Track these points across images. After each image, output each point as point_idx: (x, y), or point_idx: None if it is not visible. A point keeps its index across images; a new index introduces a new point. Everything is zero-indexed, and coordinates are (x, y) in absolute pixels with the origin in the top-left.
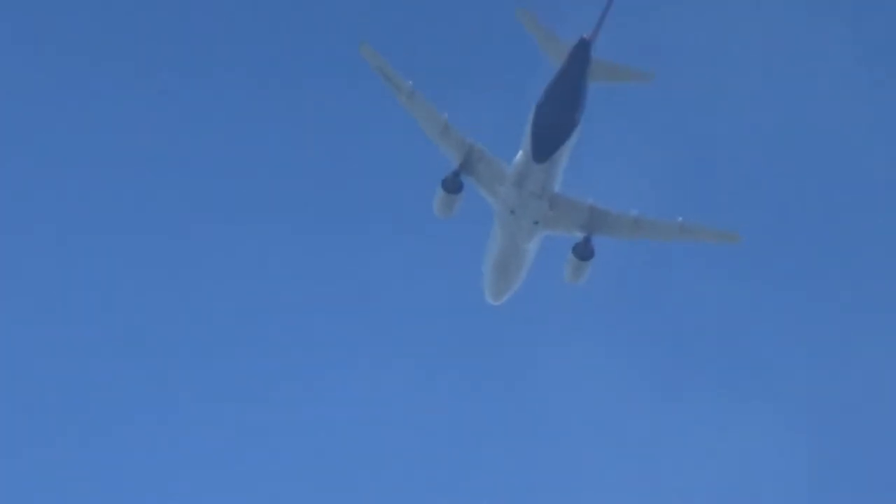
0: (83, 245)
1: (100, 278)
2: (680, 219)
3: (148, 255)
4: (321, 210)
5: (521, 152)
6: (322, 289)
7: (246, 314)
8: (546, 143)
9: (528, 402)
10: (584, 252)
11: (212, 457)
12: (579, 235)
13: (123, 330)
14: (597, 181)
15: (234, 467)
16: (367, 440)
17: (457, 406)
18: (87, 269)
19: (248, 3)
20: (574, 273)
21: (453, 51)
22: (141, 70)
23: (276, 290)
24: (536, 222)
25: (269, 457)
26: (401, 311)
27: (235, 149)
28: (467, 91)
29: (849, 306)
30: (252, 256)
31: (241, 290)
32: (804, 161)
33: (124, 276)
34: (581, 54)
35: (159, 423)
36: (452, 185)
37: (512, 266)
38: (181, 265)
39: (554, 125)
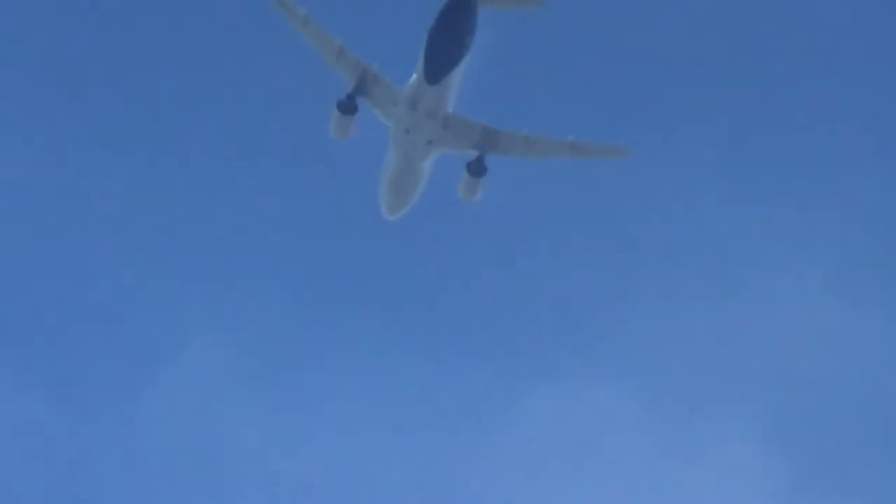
0: None
1: None
2: (570, 137)
3: None
4: (221, 139)
5: (414, 75)
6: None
7: None
8: (438, 67)
9: None
10: (477, 169)
11: None
12: (473, 154)
13: None
14: (490, 101)
15: None
16: None
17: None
18: None
19: None
20: (468, 190)
21: None
22: None
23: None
24: (430, 141)
25: None
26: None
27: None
28: (362, 14)
29: None
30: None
31: None
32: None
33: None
34: None
35: None
36: (347, 107)
37: (407, 183)
38: None
39: (445, 50)
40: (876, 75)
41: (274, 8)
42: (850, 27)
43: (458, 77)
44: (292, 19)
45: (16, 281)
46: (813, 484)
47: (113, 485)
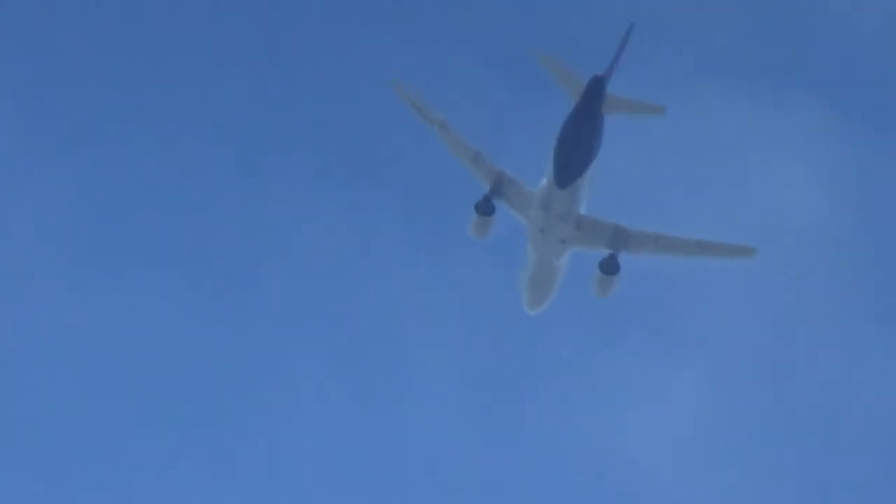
0: None
1: None
2: (697, 237)
3: None
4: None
5: (545, 178)
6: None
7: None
8: (567, 172)
9: None
10: (609, 267)
11: None
12: (606, 252)
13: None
14: (621, 201)
15: None
16: None
17: None
18: None
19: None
20: (601, 287)
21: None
22: None
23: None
24: (564, 241)
25: None
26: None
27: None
28: (497, 120)
29: None
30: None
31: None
32: None
33: None
34: (594, 91)
35: None
36: (484, 209)
37: (544, 280)
38: None
39: (573, 156)
40: None
41: (413, 112)
42: None
43: (587, 180)
44: (430, 124)
45: None
46: None
47: None
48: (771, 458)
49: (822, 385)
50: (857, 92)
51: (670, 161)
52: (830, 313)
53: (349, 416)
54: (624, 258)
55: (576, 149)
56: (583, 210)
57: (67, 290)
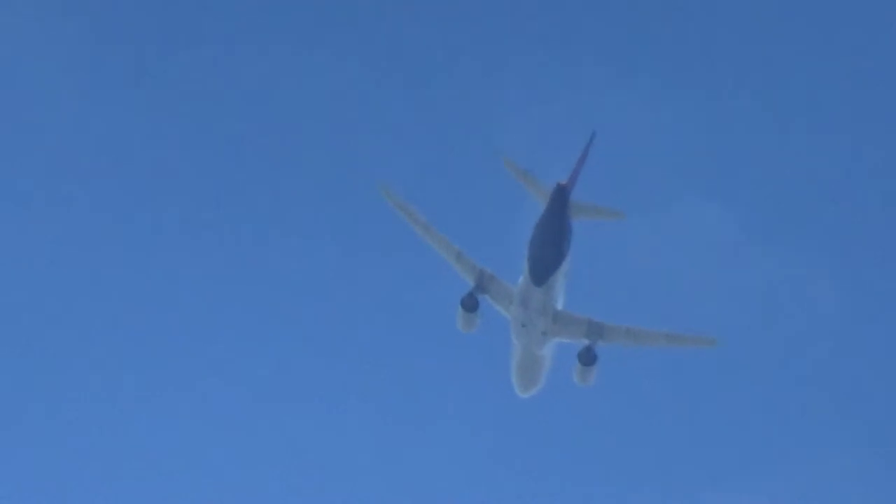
0: None
1: None
2: (665, 330)
3: None
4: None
5: (522, 277)
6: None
7: None
8: (540, 272)
9: None
10: (586, 358)
11: None
12: (584, 343)
13: None
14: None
15: None
16: None
17: None
18: None
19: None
20: (581, 376)
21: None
22: None
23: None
24: (544, 333)
25: None
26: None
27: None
28: (477, 223)
29: None
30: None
31: None
32: None
33: None
34: (559, 198)
35: None
36: (469, 304)
37: (531, 367)
38: None
39: (545, 257)
40: None
41: (392, 208)
42: None
43: (561, 277)
44: (415, 225)
45: None
46: None
47: None
48: None
49: None
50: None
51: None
52: None
53: None
54: (601, 348)
55: (547, 250)
56: (560, 305)
57: None
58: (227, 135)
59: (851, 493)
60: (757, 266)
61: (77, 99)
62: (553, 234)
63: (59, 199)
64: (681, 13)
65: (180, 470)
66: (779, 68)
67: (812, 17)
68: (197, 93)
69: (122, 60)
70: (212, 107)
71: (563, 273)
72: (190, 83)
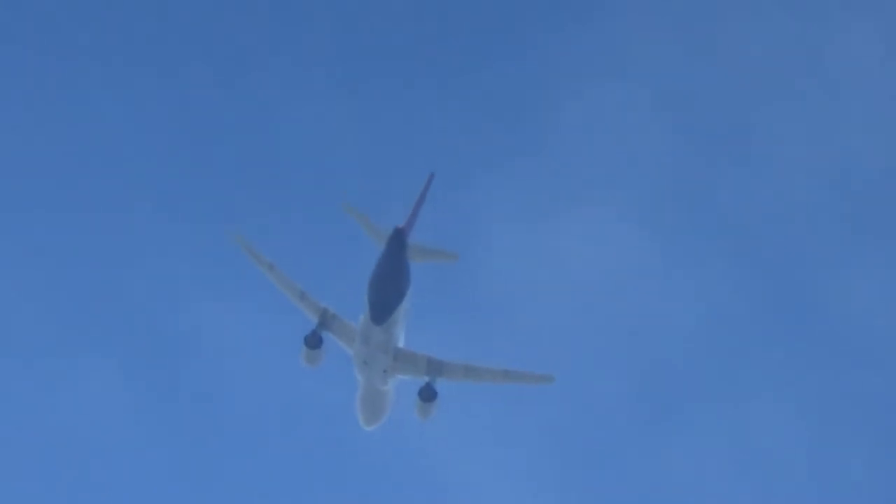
0: None
1: None
2: (503, 367)
3: None
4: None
5: (362, 316)
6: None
7: None
8: (380, 311)
9: None
10: (426, 395)
11: None
12: (424, 380)
13: None
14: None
15: None
16: None
17: None
18: None
19: None
20: (422, 412)
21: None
22: None
23: None
24: (385, 370)
25: None
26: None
27: None
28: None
29: None
30: None
31: None
32: None
33: None
34: (396, 241)
35: None
36: (313, 341)
37: (374, 402)
38: None
39: (383, 297)
40: None
41: (243, 253)
42: None
43: (400, 317)
44: (259, 265)
45: None
46: None
47: None
48: None
49: None
50: None
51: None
52: None
53: None
54: (441, 384)
55: (385, 290)
56: (401, 343)
57: None
58: None
59: None
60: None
61: None
62: (391, 275)
63: None
64: None
65: None
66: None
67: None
68: None
69: None
70: None
71: (402, 312)
72: None
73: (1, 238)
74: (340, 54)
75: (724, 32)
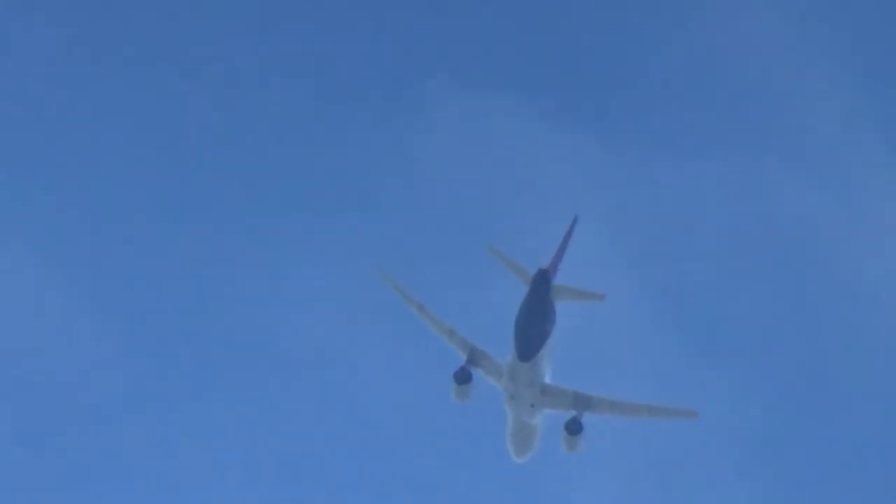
0: None
1: None
2: (646, 402)
3: None
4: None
5: (510, 354)
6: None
7: None
8: (526, 349)
9: None
10: (572, 428)
11: None
12: (571, 413)
13: None
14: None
15: None
16: None
17: None
18: None
19: None
20: (568, 445)
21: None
22: None
23: None
24: (532, 405)
25: None
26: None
27: None
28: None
29: None
30: None
31: None
32: None
33: None
34: (540, 282)
35: None
36: (462, 377)
37: (523, 435)
38: None
39: (529, 336)
40: None
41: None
42: None
43: (546, 354)
44: (408, 303)
45: None
46: None
47: None
48: None
49: None
50: None
51: None
52: None
53: None
54: (588, 418)
55: (530, 330)
56: (548, 378)
57: None
58: None
59: None
60: None
61: None
62: (535, 315)
63: None
64: None
65: None
66: None
67: None
68: None
69: None
70: None
71: (548, 350)
72: None
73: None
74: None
75: None
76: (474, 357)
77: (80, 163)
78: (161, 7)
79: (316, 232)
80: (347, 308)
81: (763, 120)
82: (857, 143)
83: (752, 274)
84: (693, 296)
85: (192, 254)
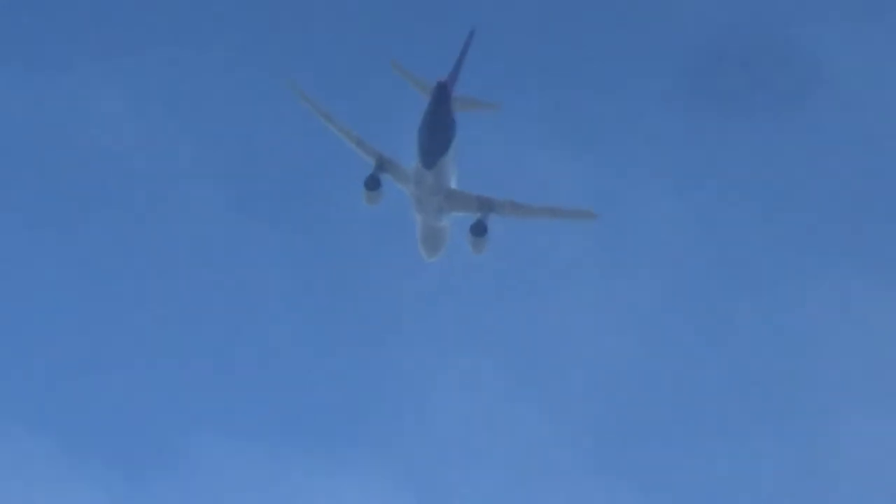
0: None
1: None
2: (547, 204)
3: None
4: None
5: (414, 161)
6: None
7: None
8: (429, 156)
9: None
10: (477, 230)
11: None
12: (476, 216)
13: None
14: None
15: None
16: None
17: None
18: None
19: None
20: (474, 246)
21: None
22: None
23: None
24: (439, 209)
25: None
26: None
27: None
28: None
29: None
30: None
31: None
32: None
33: None
34: (440, 94)
35: None
36: (372, 184)
37: (432, 237)
38: None
39: (431, 144)
40: None
41: (302, 104)
42: None
43: (449, 161)
44: (317, 113)
45: None
46: None
47: None
48: None
49: None
50: None
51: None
52: None
53: None
54: (493, 221)
55: (432, 139)
56: (454, 184)
57: None
58: None
59: None
60: None
61: None
62: (436, 125)
63: None
64: None
65: None
66: None
67: None
68: None
69: None
70: None
71: (451, 157)
72: None
73: None
74: None
75: None
76: (382, 164)
77: None
78: None
79: None
80: None
81: None
82: None
83: None
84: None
85: None
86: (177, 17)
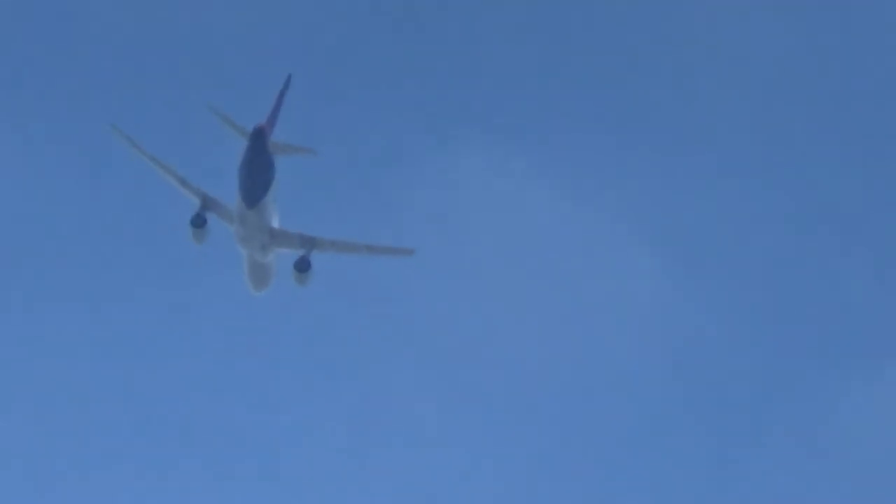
0: None
1: None
2: (365, 242)
3: None
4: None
5: (237, 200)
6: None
7: None
8: (250, 196)
9: None
10: (301, 266)
11: None
12: (299, 253)
13: None
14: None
15: None
16: None
17: None
18: None
19: None
20: (299, 281)
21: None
22: None
23: None
24: (263, 246)
25: None
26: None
27: None
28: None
29: None
30: None
31: None
32: None
33: None
34: (257, 138)
35: None
36: (198, 222)
37: (258, 273)
38: None
39: (251, 185)
40: None
41: (130, 150)
42: None
43: (270, 201)
44: (142, 156)
45: None
46: None
47: None
48: None
49: None
50: None
51: None
52: None
53: None
54: (315, 257)
55: (252, 179)
56: (276, 223)
57: None
58: None
59: None
60: None
61: None
62: (256, 166)
63: None
64: None
65: None
66: None
67: None
68: None
69: None
70: None
71: (271, 198)
72: None
73: None
74: None
75: None
76: (207, 203)
77: None
78: None
79: None
80: None
81: None
82: None
83: None
84: None
85: None
86: None
